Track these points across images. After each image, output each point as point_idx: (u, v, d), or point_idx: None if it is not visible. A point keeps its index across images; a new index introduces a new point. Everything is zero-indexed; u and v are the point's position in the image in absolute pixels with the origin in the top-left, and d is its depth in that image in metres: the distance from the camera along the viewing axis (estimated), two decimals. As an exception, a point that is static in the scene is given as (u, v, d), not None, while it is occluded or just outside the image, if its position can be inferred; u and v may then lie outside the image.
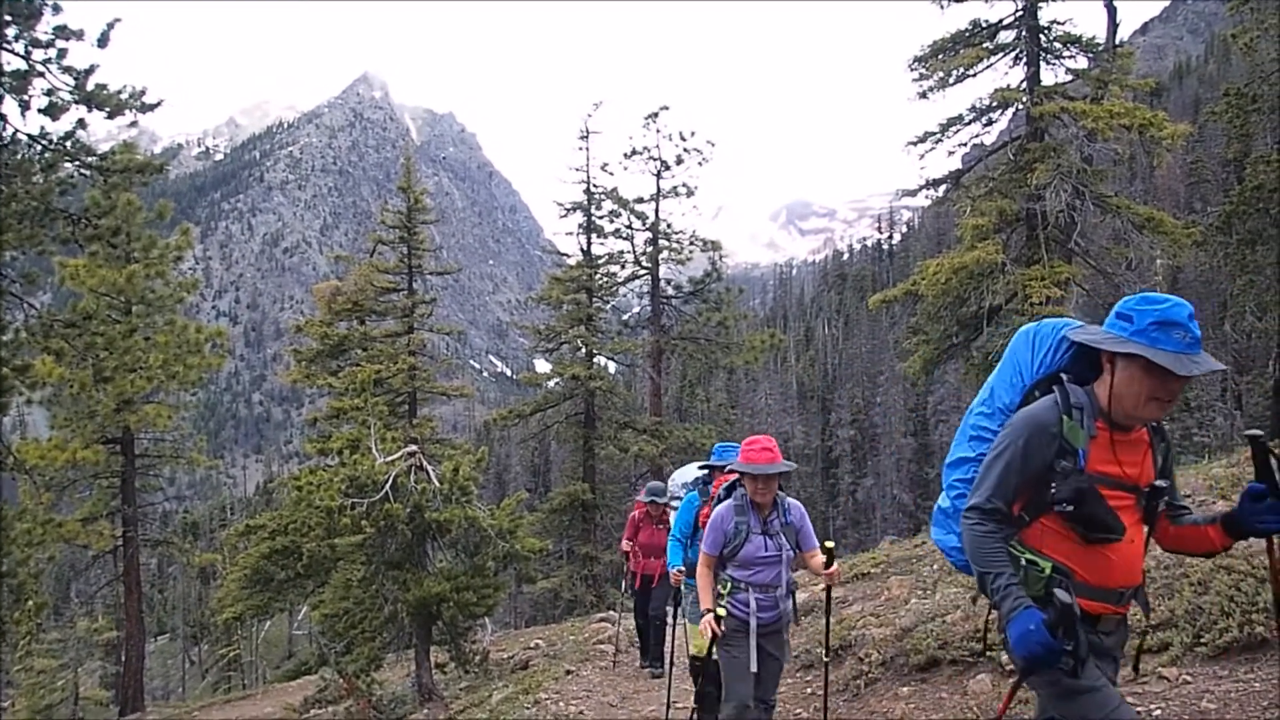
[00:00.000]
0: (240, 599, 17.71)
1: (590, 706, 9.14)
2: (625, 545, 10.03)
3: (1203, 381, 37.37)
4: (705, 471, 6.94)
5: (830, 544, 5.01)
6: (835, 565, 5.02)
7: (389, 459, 11.17)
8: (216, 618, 21.81)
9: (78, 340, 11.80)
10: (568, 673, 10.86)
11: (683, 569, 6.59)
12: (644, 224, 25.46)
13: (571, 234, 26.19)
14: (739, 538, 5.05)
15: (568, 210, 25.93)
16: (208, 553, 25.26)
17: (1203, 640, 5.24)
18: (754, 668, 5.01)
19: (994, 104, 17.54)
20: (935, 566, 9.55)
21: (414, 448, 11.85)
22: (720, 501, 5.36)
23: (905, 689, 6.60)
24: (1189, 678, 5.03)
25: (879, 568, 10.91)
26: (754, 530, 5.06)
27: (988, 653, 5.98)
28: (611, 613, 17.51)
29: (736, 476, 5.38)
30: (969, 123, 17.94)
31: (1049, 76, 17.69)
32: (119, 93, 11.18)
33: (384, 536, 11.25)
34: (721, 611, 4.98)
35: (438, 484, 11.20)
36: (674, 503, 7.51)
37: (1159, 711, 4.76)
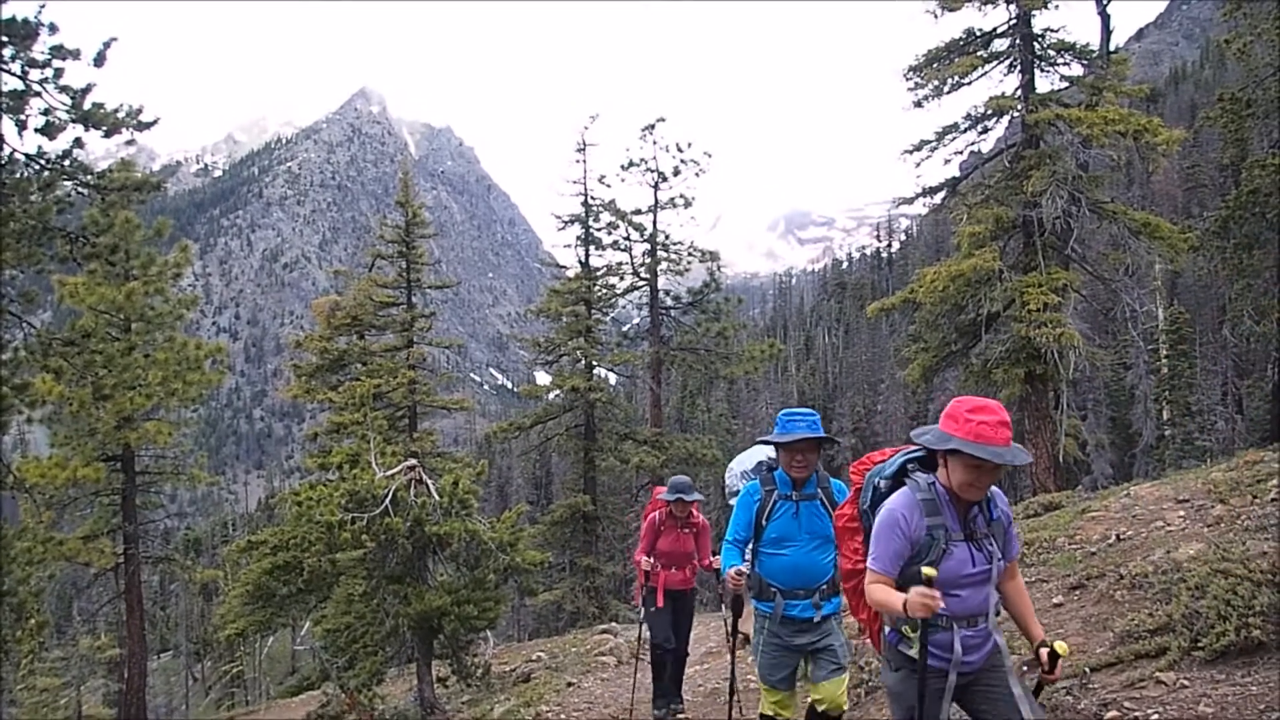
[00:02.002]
0: (242, 615, 17.64)
1: (592, 719, 9.12)
2: (642, 559, 7.99)
3: (1203, 386, 37.39)
4: (773, 453, 5.29)
5: (1062, 646, 3.44)
6: (1059, 666, 3.48)
7: (389, 473, 11.18)
8: (219, 634, 21.72)
9: (77, 358, 11.82)
10: (569, 685, 10.85)
11: (744, 569, 5.02)
12: (642, 235, 25.49)
13: (570, 246, 26.23)
14: (934, 549, 3.44)
15: (566, 222, 25.97)
16: (209, 569, 25.21)
17: (1200, 644, 5.24)
18: None
19: (989, 112, 17.60)
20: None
21: (414, 462, 11.86)
22: (880, 492, 3.78)
23: (906, 697, 6.58)
24: (1186, 682, 5.03)
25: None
26: (954, 535, 3.48)
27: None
28: (614, 624, 17.52)
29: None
30: (965, 131, 18.01)
31: (1044, 84, 17.77)
32: (116, 111, 11.21)
33: (385, 551, 11.26)
34: (912, 652, 3.46)
35: (438, 497, 11.21)
36: (732, 500, 5.48)
37: (1156, 716, 4.77)
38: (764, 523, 5.00)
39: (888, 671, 3.75)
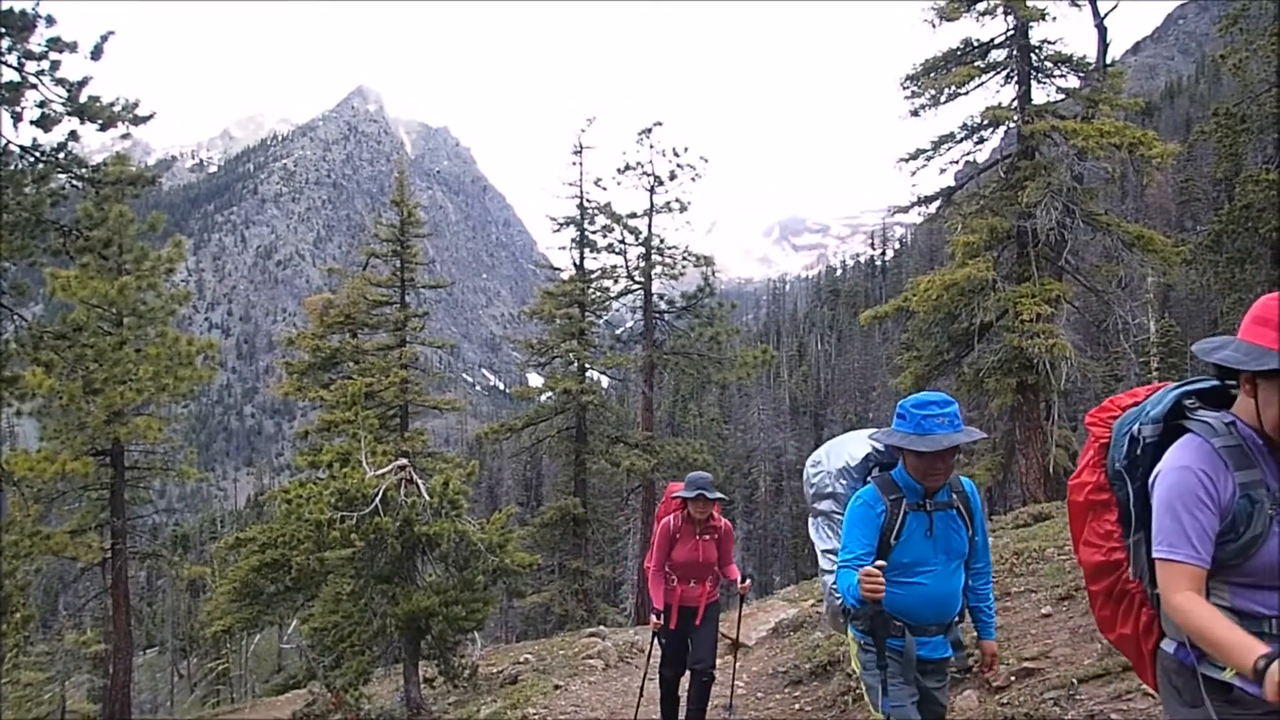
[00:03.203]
0: (229, 612, 17.59)
1: (578, 722, 9.11)
2: (655, 583, 6.79)
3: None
4: (881, 447, 4.14)
5: None
6: None
7: (379, 472, 11.15)
8: (205, 631, 21.65)
9: (68, 352, 11.79)
10: (556, 687, 10.83)
11: (877, 568, 3.55)
12: (637, 239, 25.51)
13: (565, 248, 26.26)
14: (1259, 518, 2.35)
15: (561, 225, 25.99)
16: (197, 565, 25.07)
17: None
18: None
19: (985, 122, 17.65)
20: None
21: (404, 461, 11.84)
22: (1145, 445, 2.62)
23: (893, 705, 6.59)
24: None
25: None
26: (1277, 496, 2.37)
27: (974, 669, 5.98)
28: (602, 627, 17.50)
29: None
30: (960, 140, 18.06)
31: (1040, 95, 17.82)
32: (112, 105, 11.20)
33: (373, 550, 11.23)
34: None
35: (428, 498, 11.19)
36: (821, 504, 4.35)
37: (1143, 728, 4.77)
38: (891, 542, 3.77)
39: (1178, 705, 2.52)
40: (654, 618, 6.66)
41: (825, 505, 4.30)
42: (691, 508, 6.59)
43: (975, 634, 4.22)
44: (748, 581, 6.94)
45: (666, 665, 7.01)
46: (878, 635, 3.77)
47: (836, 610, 4.13)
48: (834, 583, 3.96)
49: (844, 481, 4.26)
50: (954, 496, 3.88)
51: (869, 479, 3.98)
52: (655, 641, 7.06)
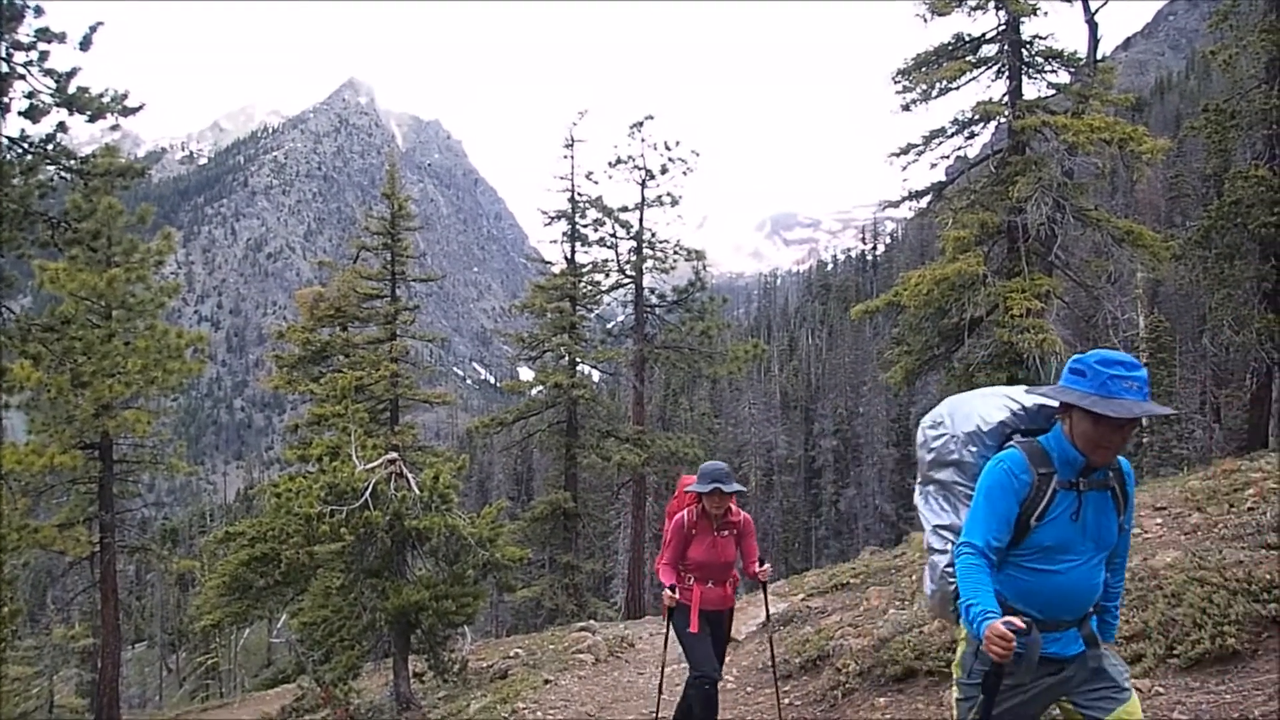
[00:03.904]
0: (218, 606, 17.59)
1: (568, 716, 9.12)
2: (665, 571, 6.11)
3: (1182, 395, 37.68)
4: (1036, 405, 3.52)
5: None
6: None
7: (369, 466, 11.13)
8: (194, 625, 21.66)
9: (56, 344, 11.75)
10: (546, 682, 10.83)
11: (1021, 626, 3.00)
12: (628, 233, 25.51)
13: (556, 242, 26.24)
14: None
15: (552, 218, 25.96)
16: (186, 559, 25.04)
17: (1175, 652, 5.28)
18: None
19: (976, 117, 17.66)
20: (914, 577, 9.58)
21: (394, 455, 11.82)
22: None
23: (882, 699, 6.62)
24: (1161, 689, 5.06)
25: (858, 578, 10.94)
26: None
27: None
28: (592, 622, 17.51)
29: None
30: (951, 135, 18.06)
31: (1031, 90, 17.83)
32: (101, 96, 11.16)
33: (363, 544, 11.21)
34: None
35: (418, 492, 11.17)
36: (940, 471, 3.69)
37: (1131, 723, 4.77)
38: (1032, 523, 3.26)
39: None
40: (668, 593, 5.98)
41: (945, 474, 3.68)
42: (707, 502, 5.96)
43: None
44: (766, 566, 6.19)
45: (701, 669, 6.02)
46: (988, 689, 3.21)
47: (948, 595, 3.55)
48: (947, 564, 3.52)
49: (973, 448, 3.60)
50: (1110, 476, 3.30)
51: (1010, 445, 3.40)
52: (670, 626, 6.35)
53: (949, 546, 3.52)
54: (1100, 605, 3.46)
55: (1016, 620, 2.96)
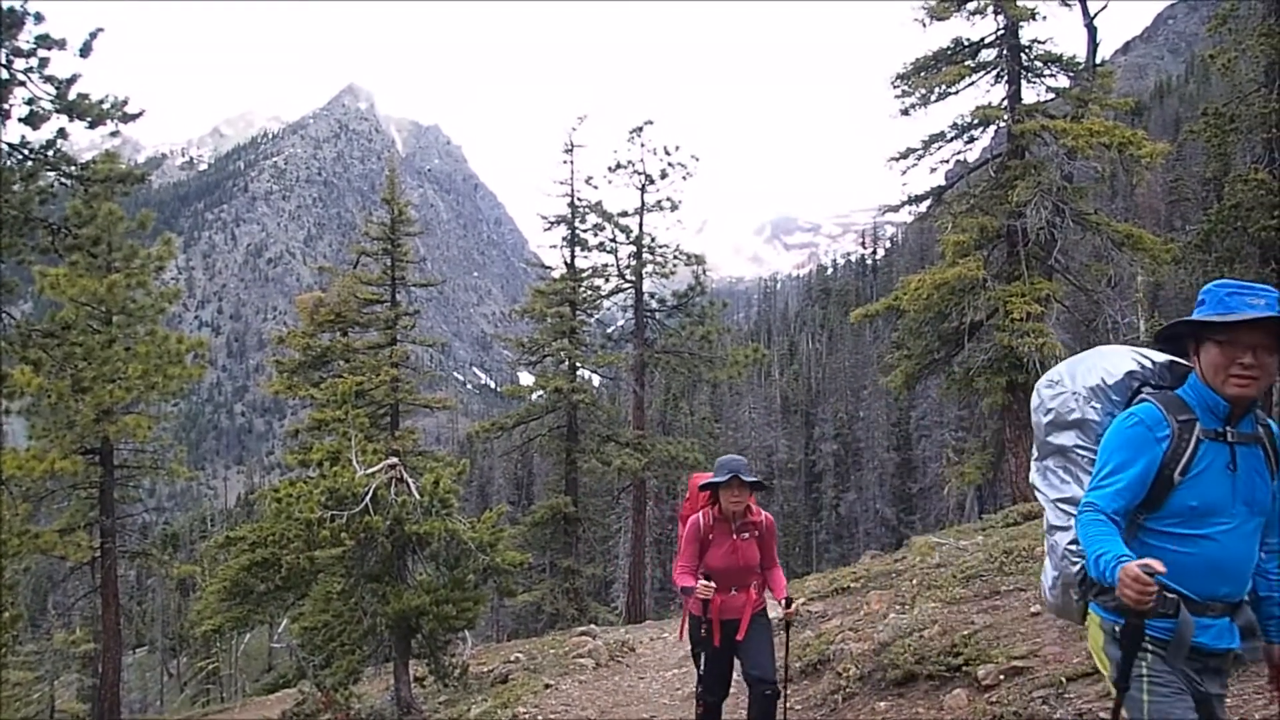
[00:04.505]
0: (219, 611, 17.54)
1: (569, 720, 9.12)
2: (684, 576, 5.47)
3: (1182, 398, 37.58)
4: (1167, 360, 3.12)
5: None
6: None
7: (370, 471, 11.14)
8: (195, 630, 21.60)
9: (57, 350, 11.76)
10: (547, 686, 10.83)
11: (1155, 568, 2.56)
12: (628, 237, 25.52)
13: (556, 247, 26.26)
14: None
15: (552, 223, 25.98)
16: (187, 565, 25.03)
17: (1176, 655, 5.26)
18: None
19: (975, 121, 17.71)
20: (914, 581, 9.57)
21: (395, 460, 11.83)
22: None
23: (882, 704, 6.61)
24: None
25: (859, 582, 10.92)
26: None
27: (963, 668, 6.00)
28: (593, 626, 17.50)
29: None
30: (951, 139, 18.11)
31: (1030, 94, 17.89)
32: (101, 102, 11.18)
33: (364, 549, 11.21)
34: None
35: (418, 496, 11.17)
36: (1060, 435, 3.25)
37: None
38: (1176, 479, 2.80)
39: None
40: (703, 583, 5.24)
41: (1065, 438, 3.21)
42: (724, 497, 5.45)
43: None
44: (795, 604, 5.84)
45: (708, 689, 5.77)
46: (1128, 654, 2.77)
47: (1071, 580, 3.09)
48: (1069, 542, 3.06)
49: (1097, 404, 3.14)
50: (1259, 429, 2.88)
51: (1142, 398, 2.99)
52: (693, 647, 5.79)
53: (1072, 523, 3.02)
54: (1265, 597, 2.96)
55: (1155, 563, 2.54)
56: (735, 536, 5.48)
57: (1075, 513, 2.95)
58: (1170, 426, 2.81)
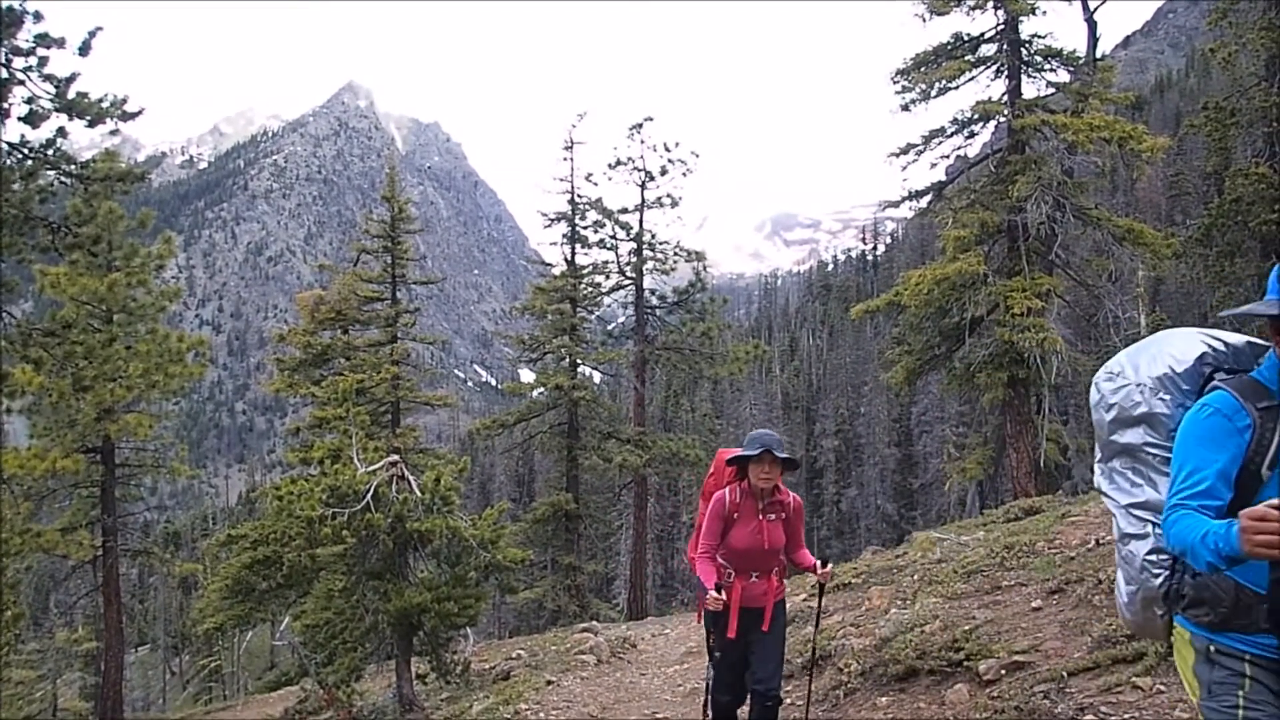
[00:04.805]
0: (221, 609, 17.59)
1: (570, 717, 9.13)
2: (704, 565, 5.16)
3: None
4: (1243, 341, 2.87)
5: None
6: None
7: (371, 469, 11.14)
8: (197, 628, 21.65)
9: (57, 349, 11.76)
10: (549, 683, 10.83)
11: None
12: (628, 234, 25.50)
13: (556, 244, 26.22)
14: None
15: (552, 220, 25.95)
16: (189, 563, 25.06)
17: (1177, 650, 5.26)
18: None
19: (975, 116, 17.70)
20: (915, 577, 9.57)
21: (396, 457, 11.82)
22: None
23: (884, 699, 6.61)
24: (1162, 687, 5.06)
25: (860, 578, 10.92)
26: None
27: (965, 663, 6.00)
28: (595, 623, 17.50)
29: None
30: (951, 135, 18.10)
31: (1030, 89, 17.88)
32: (100, 101, 11.17)
33: (365, 547, 11.21)
34: None
35: (420, 494, 11.17)
36: (1125, 433, 2.93)
37: (1133, 721, 4.78)
38: (1264, 472, 2.47)
39: None
40: (712, 594, 4.93)
41: (1133, 435, 2.87)
42: (754, 473, 5.08)
43: None
44: (829, 566, 5.56)
45: (722, 688, 5.40)
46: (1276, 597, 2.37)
47: (1153, 594, 2.76)
48: (1148, 552, 2.75)
49: (1167, 396, 2.81)
50: None
51: (1213, 385, 2.65)
52: (710, 639, 5.46)
53: (1149, 530, 2.74)
54: None
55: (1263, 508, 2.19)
56: (761, 517, 5.14)
57: (1153, 519, 2.72)
58: (1250, 415, 2.49)
